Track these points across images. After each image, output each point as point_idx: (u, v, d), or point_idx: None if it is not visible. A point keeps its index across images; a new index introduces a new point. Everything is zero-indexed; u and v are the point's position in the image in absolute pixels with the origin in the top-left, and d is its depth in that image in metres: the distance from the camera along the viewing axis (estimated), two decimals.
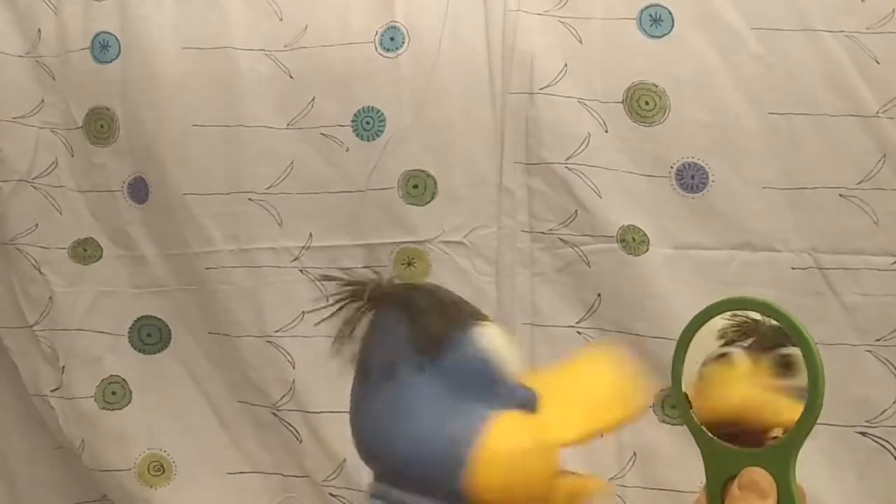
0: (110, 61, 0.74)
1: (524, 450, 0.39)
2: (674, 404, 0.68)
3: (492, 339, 0.42)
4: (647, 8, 0.70)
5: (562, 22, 0.71)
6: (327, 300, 0.43)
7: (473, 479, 0.38)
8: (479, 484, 0.38)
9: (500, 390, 0.41)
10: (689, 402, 0.40)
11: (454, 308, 0.43)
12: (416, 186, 0.71)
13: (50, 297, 0.75)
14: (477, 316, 0.43)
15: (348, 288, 0.43)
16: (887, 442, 0.66)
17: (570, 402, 0.42)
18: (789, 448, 0.36)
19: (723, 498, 0.38)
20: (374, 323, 0.43)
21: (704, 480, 0.40)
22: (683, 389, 0.40)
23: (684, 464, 0.67)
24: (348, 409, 0.43)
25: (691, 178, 0.68)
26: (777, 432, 0.37)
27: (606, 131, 0.69)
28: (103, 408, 0.75)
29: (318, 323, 0.45)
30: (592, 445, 0.72)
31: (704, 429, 0.40)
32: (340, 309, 0.43)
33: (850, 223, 0.67)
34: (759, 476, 0.37)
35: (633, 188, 0.69)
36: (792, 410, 0.37)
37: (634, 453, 0.69)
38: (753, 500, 0.36)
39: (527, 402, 0.41)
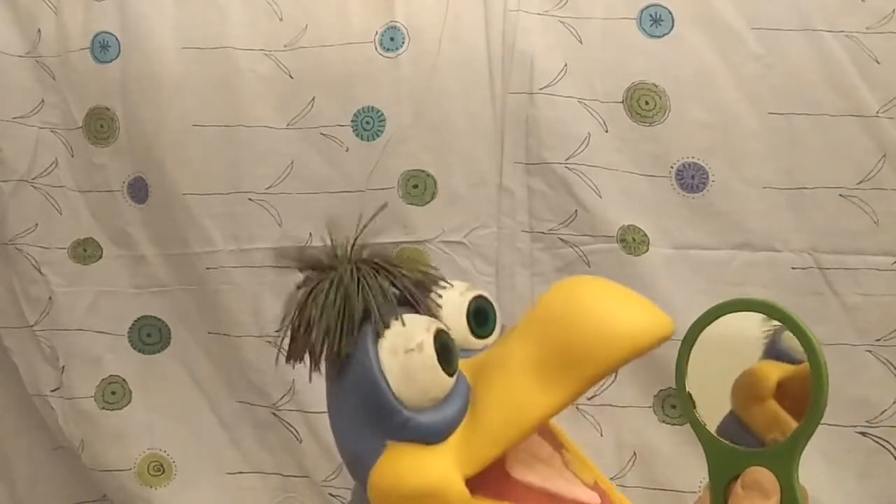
0: (110, 61, 0.74)
1: (416, 494, 0.36)
2: (674, 404, 0.68)
3: (385, 355, 0.37)
4: (647, 8, 0.70)
5: (562, 22, 0.71)
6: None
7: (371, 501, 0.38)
8: None
9: (394, 419, 0.37)
10: (693, 401, 0.40)
11: (356, 308, 0.38)
12: (416, 186, 0.71)
13: (50, 297, 0.75)
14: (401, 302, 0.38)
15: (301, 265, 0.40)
16: (887, 442, 0.66)
17: (521, 382, 0.36)
18: (793, 448, 0.36)
19: (726, 497, 0.38)
20: None
21: (706, 480, 0.40)
22: (687, 389, 0.40)
23: (684, 464, 0.67)
24: None
25: (691, 178, 0.68)
26: (780, 432, 0.37)
27: (606, 131, 0.69)
28: (103, 408, 0.75)
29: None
30: (591, 446, 0.72)
31: (708, 428, 0.40)
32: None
33: (850, 223, 0.67)
34: (762, 476, 0.37)
35: (633, 188, 0.69)
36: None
37: (634, 453, 0.69)
38: (757, 500, 0.36)
39: (430, 437, 0.37)
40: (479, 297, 0.42)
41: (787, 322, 0.37)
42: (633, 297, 0.37)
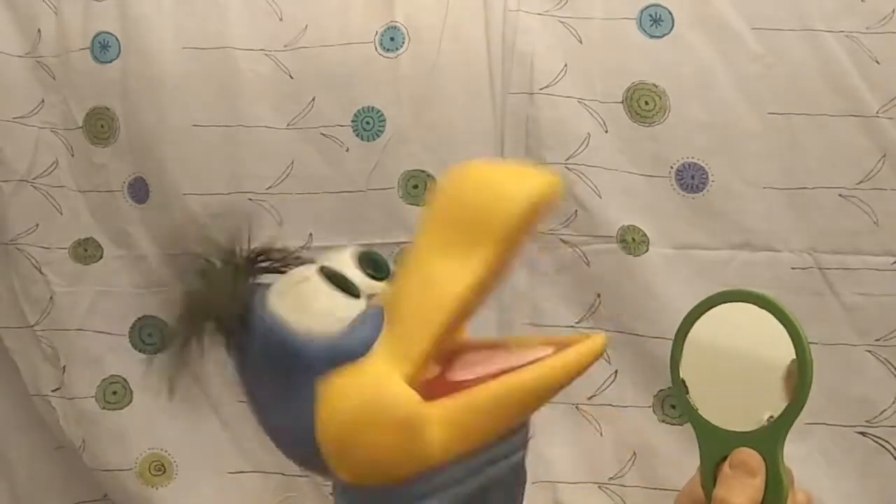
0: (110, 61, 0.74)
1: (363, 413, 0.35)
2: (674, 404, 0.69)
3: (275, 300, 0.36)
4: (647, 8, 0.70)
5: (562, 22, 0.71)
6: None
7: (330, 460, 0.36)
8: (337, 463, 0.36)
9: (309, 355, 0.35)
10: (686, 387, 0.42)
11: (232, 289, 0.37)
12: (416, 186, 0.71)
13: (50, 297, 0.75)
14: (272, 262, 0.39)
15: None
16: (887, 442, 0.66)
17: (433, 265, 0.35)
18: (779, 430, 0.38)
19: (715, 477, 0.40)
20: None
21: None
22: (681, 375, 0.43)
23: (684, 464, 0.67)
24: None
25: (691, 178, 0.68)
26: (768, 415, 0.39)
27: (606, 131, 0.69)
28: (104, 407, 0.75)
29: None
30: (591, 446, 0.72)
31: (699, 412, 0.42)
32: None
33: (850, 223, 0.67)
34: (748, 456, 0.39)
35: (633, 188, 0.69)
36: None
37: (634, 453, 0.69)
38: (743, 479, 0.38)
39: (351, 352, 0.35)
40: (361, 253, 0.41)
41: (773, 310, 0.40)
42: (518, 165, 0.39)
